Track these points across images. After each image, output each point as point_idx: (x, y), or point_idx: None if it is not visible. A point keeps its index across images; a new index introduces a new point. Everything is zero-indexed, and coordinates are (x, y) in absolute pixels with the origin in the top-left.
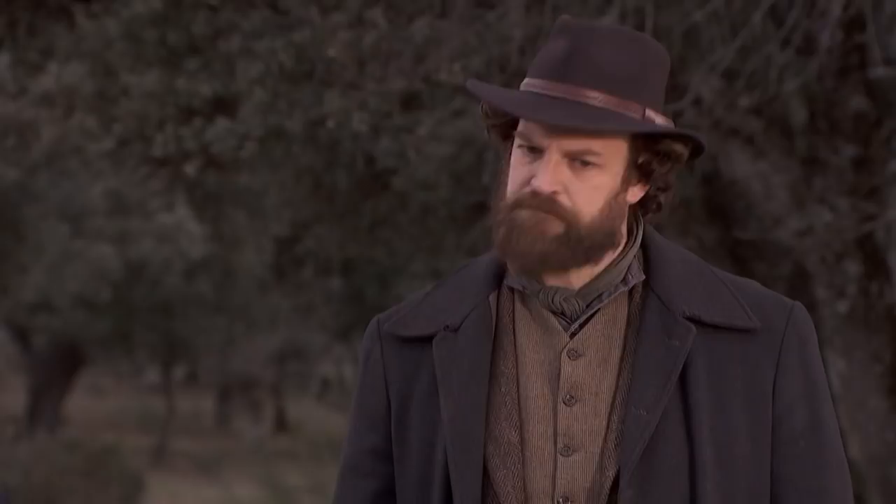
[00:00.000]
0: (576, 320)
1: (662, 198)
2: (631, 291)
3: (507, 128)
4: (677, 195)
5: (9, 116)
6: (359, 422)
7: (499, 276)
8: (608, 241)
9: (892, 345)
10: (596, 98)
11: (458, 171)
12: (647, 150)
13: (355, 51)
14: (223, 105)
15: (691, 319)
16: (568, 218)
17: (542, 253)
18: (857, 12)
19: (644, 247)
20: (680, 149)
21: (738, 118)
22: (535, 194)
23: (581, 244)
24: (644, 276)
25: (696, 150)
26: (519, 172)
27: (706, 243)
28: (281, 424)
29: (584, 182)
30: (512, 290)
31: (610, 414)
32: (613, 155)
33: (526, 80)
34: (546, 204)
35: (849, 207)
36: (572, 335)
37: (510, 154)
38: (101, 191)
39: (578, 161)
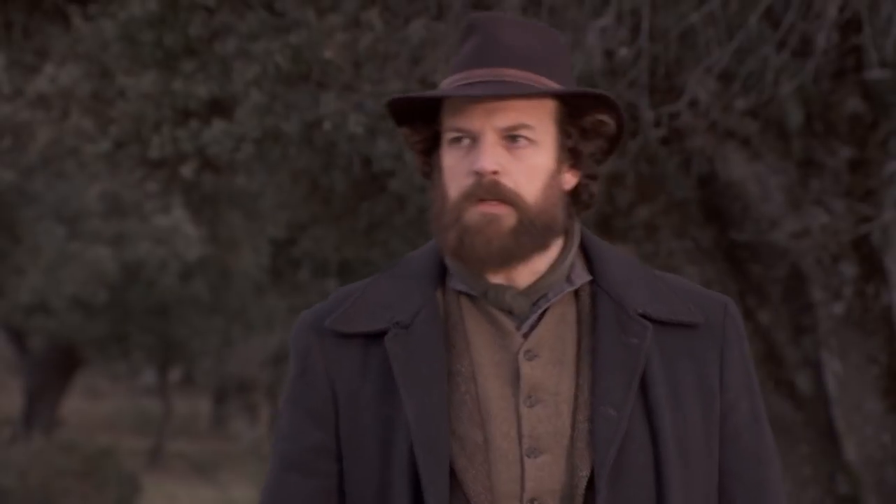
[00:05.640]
0: (525, 320)
1: (593, 188)
2: (577, 291)
3: (431, 141)
4: (601, 198)
5: (4, 118)
6: (296, 419)
7: (440, 274)
8: (554, 225)
9: (889, 347)
10: (515, 74)
11: None
12: (573, 126)
13: (351, 53)
14: (219, 107)
15: (643, 316)
16: (513, 201)
17: (502, 250)
18: (853, 14)
19: (583, 246)
20: (604, 120)
21: (734, 120)
22: (478, 176)
23: (534, 227)
24: (590, 277)
25: (619, 128)
26: (457, 167)
27: (702, 245)
28: None
29: (522, 161)
30: (458, 291)
31: (574, 414)
32: (544, 132)
33: (443, 83)
34: (491, 188)
35: (845, 209)
36: (525, 336)
37: (441, 164)
38: (98, 193)
39: (512, 139)
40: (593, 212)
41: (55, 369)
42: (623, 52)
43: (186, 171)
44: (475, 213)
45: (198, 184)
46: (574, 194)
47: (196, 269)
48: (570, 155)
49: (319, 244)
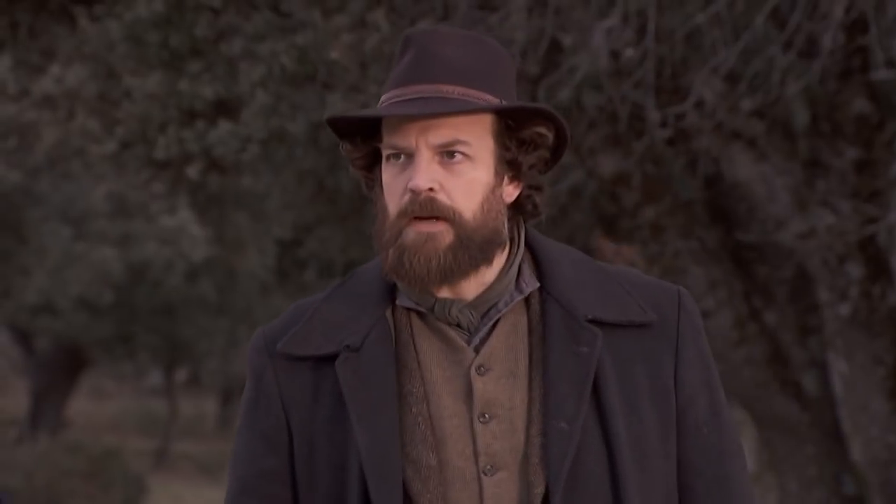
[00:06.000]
0: (475, 333)
1: (537, 198)
2: (527, 299)
3: (371, 157)
4: (549, 201)
5: (10, 118)
6: (251, 443)
7: (390, 291)
8: (495, 239)
9: (895, 347)
10: (452, 90)
11: None
12: (512, 139)
13: (358, 53)
14: (225, 108)
15: (594, 322)
16: (450, 218)
17: (440, 268)
18: (859, 15)
19: (531, 251)
20: (542, 132)
21: (740, 121)
22: (413, 194)
23: (473, 242)
24: (538, 283)
25: (560, 137)
26: (394, 185)
27: (708, 245)
28: None
29: (459, 177)
30: (406, 308)
31: (528, 429)
32: (481, 147)
33: (381, 99)
34: (427, 205)
35: (851, 210)
36: (476, 349)
37: (381, 179)
38: (104, 193)
39: (448, 155)
40: (541, 219)
41: (61, 370)
42: (629, 52)
43: (192, 171)
44: (412, 231)
45: (204, 184)
46: (517, 206)
47: (202, 270)
48: (509, 167)
49: (325, 245)
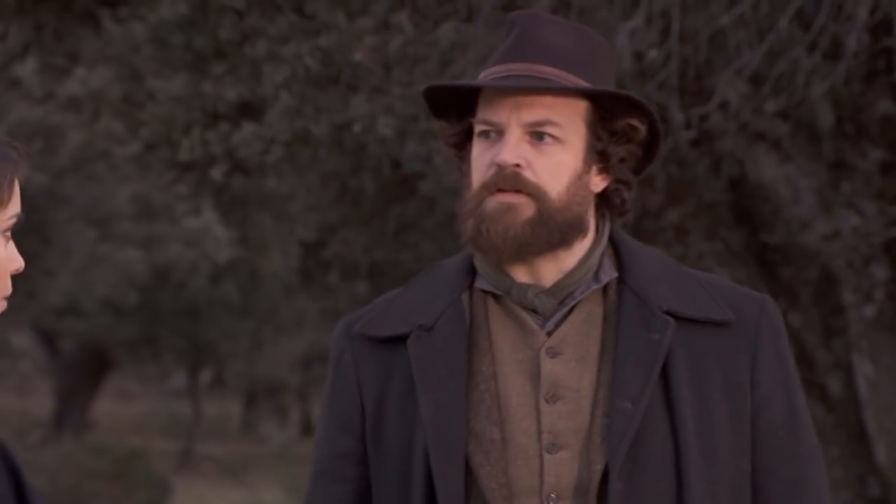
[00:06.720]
0: (550, 318)
1: (625, 193)
2: (605, 289)
3: (463, 135)
4: (636, 204)
5: (36, 121)
6: (331, 425)
7: (469, 276)
8: (577, 224)
9: None
10: (548, 72)
11: None
12: (604, 129)
13: (381, 55)
14: (249, 109)
15: (668, 314)
16: (534, 193)
17: (517, 239)
18: (884, 16)
19: (614, 245)
20: (635, 124)
21: (764, 122)
22: (499, 168)
23: (553, 221)
24: (617, 274)
25: (653, 135)
26: (481, 159)
27: (732, 247)
28: (307, 428)
29: (547, 157)
30: (484, 291)
31: (593, 410)
32: (572, 131)
33: (480, 76)
34: (511, 179)
35: (876, 211)
36: (549, 333)
37: (470, 156)
38: (128, 195)
39: (538, 136)
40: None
41: (86, 371)
42: (653, 53)
43: (216, 173)
44: (493, 201)
45: (227, 186)
46: (605, 198)
47: (226, 272)
48: (599, 157)
49: (349, 246)
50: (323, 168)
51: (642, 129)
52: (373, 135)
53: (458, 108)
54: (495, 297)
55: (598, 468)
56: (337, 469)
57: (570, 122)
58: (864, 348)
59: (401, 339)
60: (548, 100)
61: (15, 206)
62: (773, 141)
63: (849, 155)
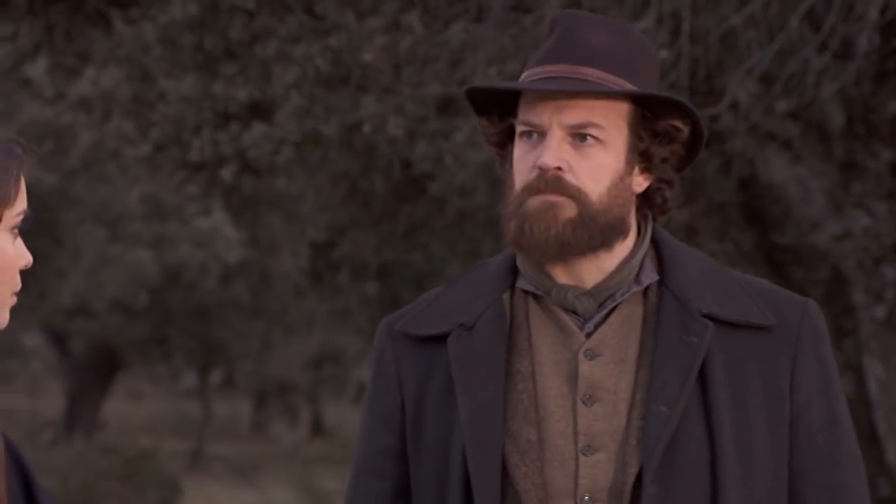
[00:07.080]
0: (589, 320)
1: (667, 192)
2: (645, 291)
3: (505, 135)
4: (679, 197)
5: (46, 121)
6: (372, 422)
7: (511, 276)
8: (618, 226)
9: None
10: (591, 73)
11: (494, 177)
12: (646, 130)
13: (391, 56)
14: (260, 110)
15: (708, 317)
16: (576, 196)
17: (558, 239)
18: (894, 16)
19: (655, 246)
20: (678, 125)
21: (775, 122)
22: (541, 171)
23: (595, 223)
24: (657, 276)
25: (696, 134)
26: (523, 161)
27: (743, 248)
28: (317, 429)
29: (588, 159)
30: (525, 291)
31: (629, 413)
32: (614, 132)
33: (522, 76)
34: (553, 182)
35: (886, 212)
36: (588, 335)
37: (512, 157)
38: (139, 195)
39: (580, 138)
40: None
41: (96, 372)
42: (663, 54)
43: (226, 174)
44: (535, 200)
45: (238, 187)
46: (647, 198)
47: (236, 272)
48: (641, 158)
49: (359, 247)
50: (333, 168)
51: (685, 129)
52: (383, 135)
53: (499, 107)
54: (536, 297)
55: (633, 471)
56: (378, 466)
57: (611, 123)
58: (875, 349)
59: (441, 338)
60: (589, 102)
61: (22, 203)
62: (784, 141)
63: (859, 155)
